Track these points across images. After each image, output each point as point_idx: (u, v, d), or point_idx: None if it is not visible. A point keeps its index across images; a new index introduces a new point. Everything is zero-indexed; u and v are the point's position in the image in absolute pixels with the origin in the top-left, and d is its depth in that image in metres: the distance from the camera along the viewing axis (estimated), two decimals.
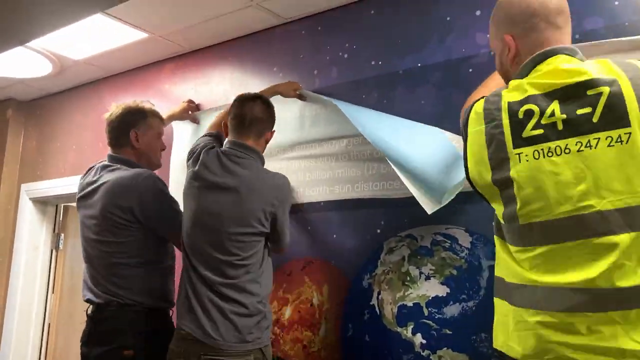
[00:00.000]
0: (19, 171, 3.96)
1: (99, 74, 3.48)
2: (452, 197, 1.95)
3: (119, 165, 2.23)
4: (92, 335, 2.09)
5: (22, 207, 3.88)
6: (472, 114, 1.38)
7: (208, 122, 2.79)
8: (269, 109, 2.13)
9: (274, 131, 2.16)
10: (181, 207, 2.14)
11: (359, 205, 2.31)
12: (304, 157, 2.47)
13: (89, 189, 2.22)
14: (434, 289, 2.06)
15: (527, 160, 1.24)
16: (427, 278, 2.09)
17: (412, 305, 2.11)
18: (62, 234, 3.91)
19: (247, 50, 2.85)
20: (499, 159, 1.29)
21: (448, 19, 2.21)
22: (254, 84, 2.75)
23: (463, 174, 1.91)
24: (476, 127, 1.35)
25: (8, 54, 3.08)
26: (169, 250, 2.24)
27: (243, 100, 2.10)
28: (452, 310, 2.01)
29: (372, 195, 2.28)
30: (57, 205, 3.96)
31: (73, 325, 3.91)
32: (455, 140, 2.05)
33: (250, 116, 2.06)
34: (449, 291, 2.04)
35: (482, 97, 1.38)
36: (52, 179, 3.72)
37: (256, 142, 2.08)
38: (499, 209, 1.35)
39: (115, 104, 2.32)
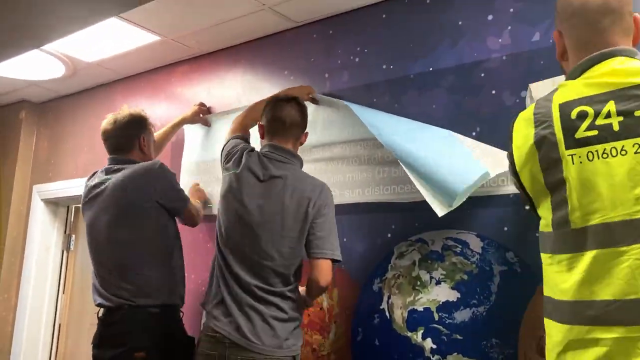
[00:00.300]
0: (31, 172, 4.00)
1: (111, 77, 3.50)
2: (463, 200, 1.94)
3: (125, 166, 2.26)
4: (103, 337, 2.10)
5: (34, 208, 3.91)
6: (518, 120, 1.35)
7: (220, 125, 2.82)
8: (304, 111, 2.11)
9: (307, 133, 2.14)
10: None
11: (370, 209, 2.30)
12: (314, 161, 2.46)
13: (96, 191, 2.25)
14: (445, 293, 2.06)
15: (581, 162, 1.20)
16: (438, 283, 2.08)
17: (422, 309, 2.10)
18: (73, 235, 3.94)
19: (258, 53, 2.86)
20: (550, 161, 1.25)
21: (460, 23, 2.21)
22: (266, 88, 2.76)
23: (474, 177, 1.91)
24: (524, 131, 1.31)
25: (22, 56, 3.11)
26: (179, 246, 2.27)
27: (280, 103, 2.08)
28: (463, 315, 2.01)
29: (382, 200, 2.28)
30: (68, 207, 3.99)
31: (83, 325, 3.94)
32: (473, 145, 2.04)
33: (290, 120, 2.04)
34: (459, 296, 2.03)
35: (532, 103, 1.36)
36: (64, 180, 3.74)
37: (294, 145, 2.08)
38: (546, 216, 1.29)
39: (111, 114, 2.39)
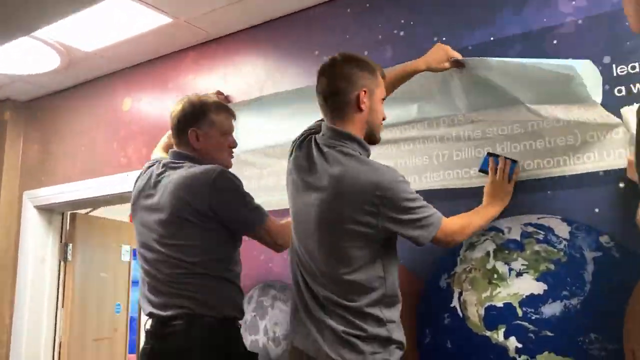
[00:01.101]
0: (20, 177, 3.65)
1: (112, 67, 3.18)
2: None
3: (183, 162, 1.97)
4: (154, 354, 1.81)
5: (25, 216, 3.56)
6: None
7: (244, 116, 2.53)
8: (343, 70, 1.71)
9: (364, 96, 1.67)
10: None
11: (429, 196, 2.06)
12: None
13: (149, 190, 1.95)
14: (528, 286, 1.84)
15: None
16: (519, 274, 1.87)
17: (502, 305, 1.88)
18: (71, 244, 3.60)
19: (281, 33, 2.60)
20: None
21: None
22: (293, 71, 2.52)
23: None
24: None
25: (6, 47, 2.78)
26: (238, 256, 1.98)
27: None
28: (553, 309, 1.79)
29: (442, 186, 2.06)
30: (63, 213, 3.65)
31: (86, 342, 3.62)
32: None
33: (322, 91, 1.72)
34: (546, 288, 1.81)
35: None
36: (59, 185, 3.41)
37: (346, 122, 1.70)
38: None
39: (180, 98, 2.06)
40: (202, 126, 1.96)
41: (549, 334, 1.79)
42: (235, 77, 2.73)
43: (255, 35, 2.70)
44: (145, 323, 1.89)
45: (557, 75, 1.70)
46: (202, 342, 1.75)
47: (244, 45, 2.73)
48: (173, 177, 1.89)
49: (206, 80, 2.84)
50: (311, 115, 2.38)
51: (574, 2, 1.90)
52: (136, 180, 2.09)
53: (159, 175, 1.96)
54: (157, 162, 2.07)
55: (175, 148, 2.02)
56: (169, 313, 1.79)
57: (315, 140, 1.71)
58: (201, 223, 1.83)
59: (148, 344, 1.84)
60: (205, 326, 1.77)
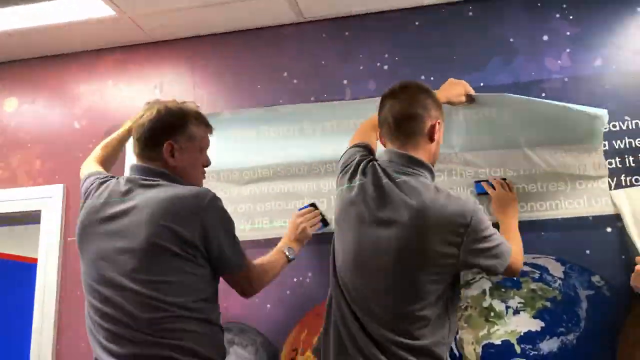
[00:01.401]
0: None
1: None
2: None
3: (156, 180, 1.60)
4: None
5: None
6: None
7: None
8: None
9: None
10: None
11: None
12: None
13: (115, 210, 1.55)
14: (526, 323, 1.91)
15: None
16: (516, 312, 1.93)
17: (500, 343, 1.92)
18: None
19: (247, 47, 2.38)
20: None
21: (511, 40, 2.14)
22: (256, 89, 2.31)
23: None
24: None
25: None
26: (217, 297, 1.67)
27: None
28: (550, 345, 1.88)
29: None
30: None
31: None
32: None
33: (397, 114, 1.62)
34: (543, 325, 1.90)
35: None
36: None
37: (416, 148, 1.62)
38: None
39: (148, 103, 1.70)
40: (180, 139, 1.63)
41: None
42: (175, 87, 2.40)
43: (215, 43, 2.42)
44: None
45: (587, 115, 1.85)
46: None
47: (195, 53, 2.43)
48: (147, 197, 1.53)
49: (130, 89, 2.45)
50: (281, 139, 2.23)
51: (559, 62, 2.10)
52: (85, 198, 1.67)
53: (124, 194, 1.60)
54: (112, 177, 1.69)
55: (140, 162, 1.64)
56: None
57: (381, 166, 1.57)
58: (186, 255, 1.50)
59: None
60: None
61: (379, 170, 1.56)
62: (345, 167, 1.66)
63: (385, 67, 2.23)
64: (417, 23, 2.24)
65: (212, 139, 1.73)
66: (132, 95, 2.44)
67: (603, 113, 1.86)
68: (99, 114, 2.45)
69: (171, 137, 1.62)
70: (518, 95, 1.95)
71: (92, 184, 1.70)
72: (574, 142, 1.95)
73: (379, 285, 1.50)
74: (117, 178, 1.66)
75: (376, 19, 2.28)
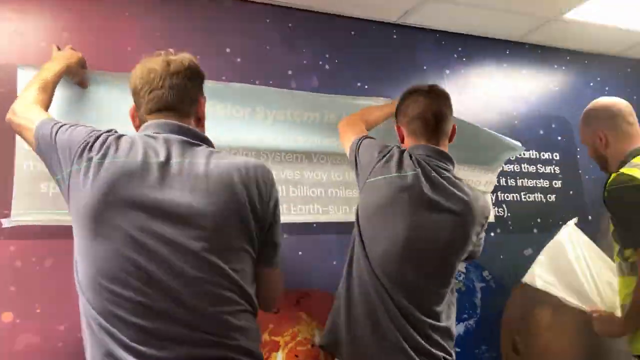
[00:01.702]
0: None
1: None
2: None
3: (199, 142, 1.34)
4: None
5: None
6: None
7: (103, 89, 1.82)
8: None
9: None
10: None
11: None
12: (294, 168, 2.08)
13: (161, 177, 1.22)
14: None
15: None
16: None
17: None
18: None
19: (180, 10, 2.08)
20: None
21: (424, 67, 2.48)
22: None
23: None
24: None
25: None
26: None
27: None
28: (458, 329, 2.23)
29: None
30: None
31: None
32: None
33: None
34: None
35: None
36: None
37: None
38: None
39: (160, 52, 1.36)
40: (203, 95, 1.43)
41: (457, 349, 2.21)
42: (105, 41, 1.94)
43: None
44: None
45: (506, 145, 2.26)
46: None
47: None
48: (214, 163, 1.29)
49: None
50: (230, 120, 2.07)
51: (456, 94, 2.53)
52: (101, 157, 1.28)
53: (180, 156, 1.29)
54: (153, 134, 1.31)
55: (173, 120, 1.34)
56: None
57: (424, 160, 1.64)
58: (254, 238, 1.30)
59: None
60: None
61: (424, 163, 1.66)
62: (384, 156, 1.67)
63: (327, 66, 2.29)
64: (352, 33, 2.38)
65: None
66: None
67: (519, 146, 2.33)
68: None
69: (202, 92, 1.40)
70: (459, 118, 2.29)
71: (113, 141, 1.28)
72: (480, 164, 2.37)
73: (428, 269, 1.60)
74: (159, 135, 1.31)
75: (316, 19, 2.31)
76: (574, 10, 2.45)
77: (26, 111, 1.43)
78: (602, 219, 2.44)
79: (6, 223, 1.60)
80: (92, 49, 1.90)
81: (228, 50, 2.13)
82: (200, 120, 1.41)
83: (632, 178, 1.76)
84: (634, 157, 1.88)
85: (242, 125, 2.03)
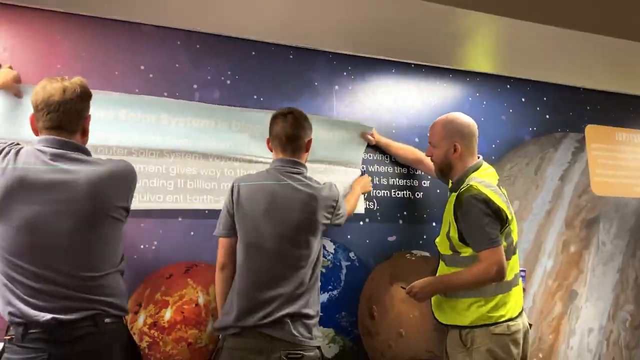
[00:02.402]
0: None
1: None
2: None
3: (80, 155, 1.91)
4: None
5: None
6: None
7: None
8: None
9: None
10: None
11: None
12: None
13: (45, 179, 1.82)
14: None
15: None
16: None
17: None
18: None
19: (101, 34, 2.59)
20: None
21: (316, 84, 2.99)
22: (110, 75, 2.57)
23: None
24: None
25: None
26: None
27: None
28: (323, 297, 2.80)
29: None
30: None
31: None
32: None
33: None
34: (319, 284, 2.81)
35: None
36: None
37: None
38: None
39: (51, 78, 1.94)
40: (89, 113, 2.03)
41: (321, 314, 2.77)
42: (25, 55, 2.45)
43: (79, 23, 2.54)
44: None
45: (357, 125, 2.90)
46: (117, 338, 1.96)
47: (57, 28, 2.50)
48: (87, 170, 1.93)
49: None
50: (138, 124, 2.58)
51: (344, 105, 3.04)
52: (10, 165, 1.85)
53: (58, 166, 1.90)
54: (43, 147, 1.91)
55: (56, 135, 1.90)
56: (80, 315, 1.85)
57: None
58: (110, 222, 1.98)
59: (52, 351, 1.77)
60: (119, 325, 1.98)
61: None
62: None
63: (228, 81, 2.80)
64: (253, 53, 2.88)
65: None
66: None
67: (368, 125, 2.98)
68: None
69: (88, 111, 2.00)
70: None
71: None
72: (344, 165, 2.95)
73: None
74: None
75: (221, 41, 2.82)
76: None
77: None
78: None
79: None
80: (29, 65, 2.43)
81: (142, 67, 2.64)
82: (85, 133, 1.95)
83: (480, 192, 2.30)
84: (473, 171, 2.42)
85: (150, 129, 2.58)
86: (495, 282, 2.25)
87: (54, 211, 1.79)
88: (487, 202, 2.28)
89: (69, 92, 1.89)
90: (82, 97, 1.92)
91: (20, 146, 1.90)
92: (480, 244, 2.27)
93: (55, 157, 1.84)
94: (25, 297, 1.75)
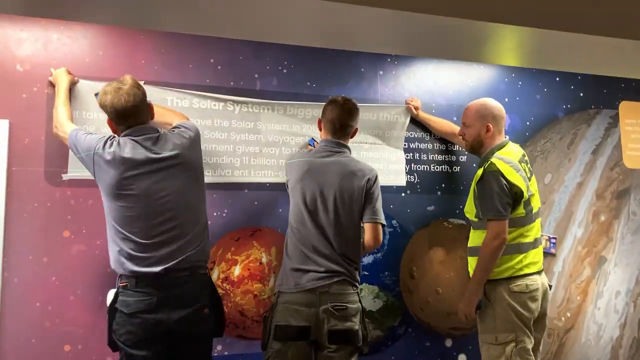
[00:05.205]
0: None
1: None
2: None
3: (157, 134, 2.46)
4: (165, 299, 2.28)
5: None
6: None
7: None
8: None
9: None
10: None
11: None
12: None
13: (152, 160, 2.36)
14: None
15: None
16: None
17: None
18: None
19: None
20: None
21: (362, 70, 3.34)
22: (185, 68, 3.01)
23: None
24: None
25: None
26: None
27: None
28: (368, 259, 3.20)
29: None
30: None
31: None
32: None
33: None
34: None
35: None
36: None
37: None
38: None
39: (113, 83, 2.35)
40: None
41: (366, 273, 3.19)
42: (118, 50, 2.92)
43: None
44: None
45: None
46: (203, 284, 2.49)
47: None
48: (171, 143, 2.47)
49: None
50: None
51: (387, 89, 3.39)
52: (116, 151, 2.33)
53: (147, 149, 2.41)
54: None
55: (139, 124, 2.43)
56: (179, 266, 2.37)
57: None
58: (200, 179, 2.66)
59: (156, 294, 2.30)
60: (205, 274, 2.57)
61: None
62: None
63: (285, 70, 3.20)
64: (306, 45, 3.26)
65: None
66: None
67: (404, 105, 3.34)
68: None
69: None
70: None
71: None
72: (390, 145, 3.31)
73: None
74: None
75: (278, 36, 3.22)
76: None
77: (62, 125, 2.50)
78: None
79: (65, 177, 2.68)
80: (117, 59, 2.90)
81: (212, 60, 3.07)
82: (152, 118, 2.45)
83: (497, 169, 2.65)
84: (498, 149, 2.77)
85: (217, 114, 3.00)
86: (500, 250, 2.60)
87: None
88: (501, 177, 2.62)
89: (132, 97, 2.34)
90: (143, 95, 2.41)
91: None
92: (486, 213, 2.65)
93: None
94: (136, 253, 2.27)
